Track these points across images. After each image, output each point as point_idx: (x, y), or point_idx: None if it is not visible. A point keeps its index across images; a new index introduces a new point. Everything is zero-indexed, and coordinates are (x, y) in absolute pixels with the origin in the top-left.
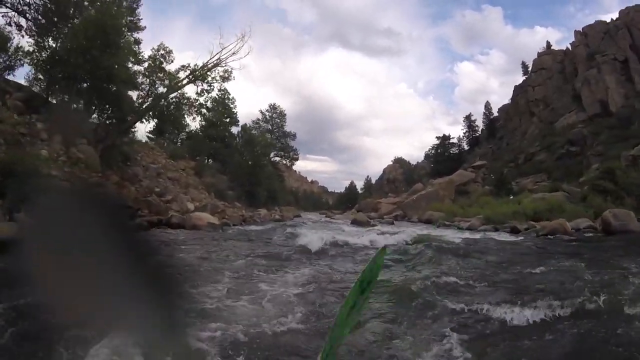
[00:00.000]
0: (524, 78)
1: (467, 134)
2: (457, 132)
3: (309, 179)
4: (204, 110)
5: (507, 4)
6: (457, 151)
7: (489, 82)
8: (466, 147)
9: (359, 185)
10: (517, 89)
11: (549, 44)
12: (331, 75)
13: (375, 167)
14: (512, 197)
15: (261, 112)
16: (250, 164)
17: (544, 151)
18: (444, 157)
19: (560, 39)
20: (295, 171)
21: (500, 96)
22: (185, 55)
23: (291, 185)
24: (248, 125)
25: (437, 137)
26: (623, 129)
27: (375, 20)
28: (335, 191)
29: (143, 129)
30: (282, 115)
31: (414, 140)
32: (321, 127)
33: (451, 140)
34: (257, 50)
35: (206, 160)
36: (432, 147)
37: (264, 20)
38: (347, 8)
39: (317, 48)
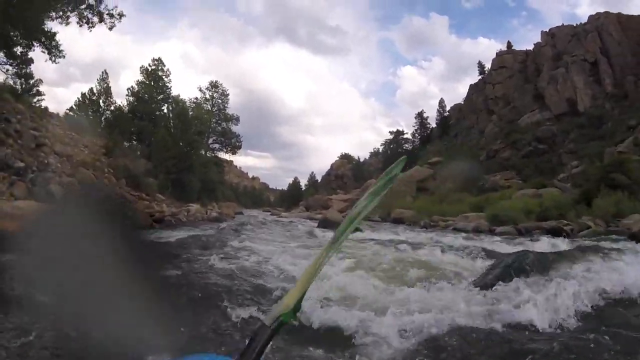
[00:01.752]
0: (479, 77)
1: (418, 130)
2: (385, 138)
3: (250, 175)
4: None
5: (454, 14)
6: (410, 147)
7: (430, 87)
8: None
9: (303, 182)
10: (473, 88)
11: (509, 44)
12: (275, 70)
13: (317, 164)
14: (488, 194)
15: (200, 89)
16: (181, 145)
17: (508, 148)
18: (396, 152)
19: (501, 51)
20: (236, 166)
21: (438, 101)
22: (125, 38)
23: (231, 180)
24: (185, 104)
25: (390, 132)
26: (594, 128)
27: (323, 17)
28: (277, 188)
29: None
30: (224, 95)
31: (353, 139)
32: (263, 122)
33: (405, 136)
34: (202, 38)
35: (131, 142)
36: (385, 142)
37: (210, 8)
38: (296, 2)
39: (263, 41)
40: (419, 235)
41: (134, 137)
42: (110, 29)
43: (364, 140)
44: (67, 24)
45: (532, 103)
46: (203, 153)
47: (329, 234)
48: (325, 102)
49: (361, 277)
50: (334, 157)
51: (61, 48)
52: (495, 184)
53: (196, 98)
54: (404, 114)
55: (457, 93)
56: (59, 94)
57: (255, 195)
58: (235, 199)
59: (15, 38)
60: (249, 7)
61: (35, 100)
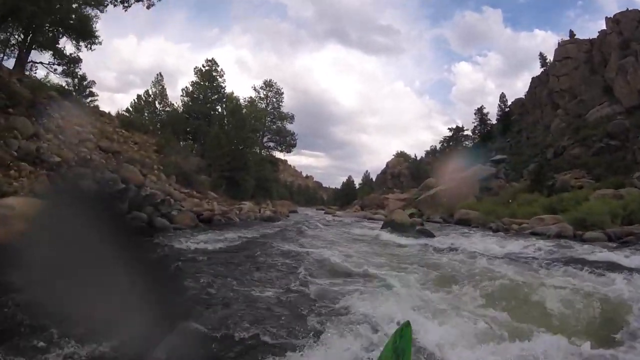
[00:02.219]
0: (542, 69)
1: (478, 127)
2: (445, 134)
3: (304, 174)
4: None
5: (507, 7)
6: (470, 144)
7: (486, 83)
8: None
9: (356, 180)
10: (535, 81)
11: (572, 33)
12: (328, 71)
13: (371, 163)
14: (557, 195)
15: (254, 88)
16: (235, 142)
17: (577, 145)
18: (456, 150)
19: (542, 53)
20: (290, 165)
21: (496, 98)
22: (182, 47)
23: (285, 179)
24: (238, 101)
25: (449, 129)
26: None
27: (374, 17)
28: (330, 186)
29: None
30: (279, 93)
31: (409, 138)
32: (317, 123)
33: (464, 133)
34: (254, 45)
35: (186, 141)
36: (443, 139)
37: (262, 15)
38: (346, 4)
39: (314, 43)
40: (505, 242)
41: (189, 137)
42: (148, 7)
43: (420, 138)
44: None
45: (601, 95)
46: (257, 151)
47: (399, 240)
48: (379, 101)
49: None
50: (388, 156)
51: (97, 34)
52: (566, 184)
53: (250, 97)
54: (461, 112)
55: (515, 89)
56: (118, 99)
57: (308, 193)
58: (289, 198)
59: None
60: (299, 12)
61: (88, 100)
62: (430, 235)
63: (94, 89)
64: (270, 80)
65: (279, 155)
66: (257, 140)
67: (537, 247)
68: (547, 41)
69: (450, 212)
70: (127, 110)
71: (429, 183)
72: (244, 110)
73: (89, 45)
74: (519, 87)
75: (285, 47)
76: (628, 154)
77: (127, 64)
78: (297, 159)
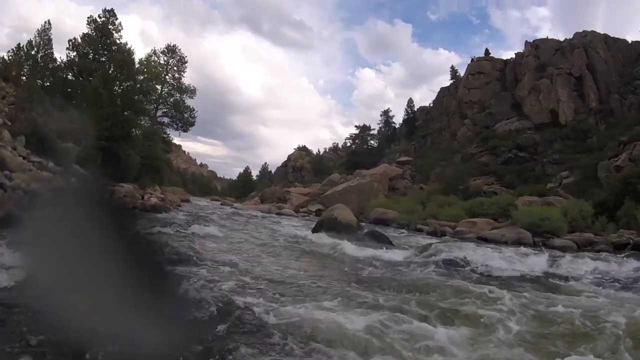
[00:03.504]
0: (451, 81)
1: (384, 128)
2: (350, 132)
3: (198, 162)
4: None
5: (418, 23)
6: (376, 144)
7: (386, 91)
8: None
9: (254, 173)
10: (444, 91)
11: (487, 51)
12: (235, 59)
13: (269, 157)
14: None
15: (154, 51)
16: (119, 103)
17: (486, 153)
18: (362, 149)
19: (461, 63)
20: (185, 151)
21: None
22: (84, 9)
23: (178, 165)
24: (130, 53)
25: (357, 127)
26: (579, 140)
27: (289, 11)
28: (225, 177)
29: None
30: (182, 62)
31: (309, 135)
32: (217, 110)
33: (371, 132)
34: (163, 18)
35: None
36: (350, 136)
37: None
38: None
39: (225, 26)
40: (508, 254)
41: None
42: None
43: (319, 136)
44: None
45: (510, 111)
46: (148, 123)
47: (361, 252)
48: (282, 95)
49: None
50: (287, 151)
51: None
52: (479, 189)
53: (148, 54)
54: (360, 114)
55: (414, 99)
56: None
57: (203, 182)
58: (182, 185)
59: None
60: None
61: None
62: (386, 241)
63: None
64: (174, 46)
65: (174, 136)
66: (147, 109)
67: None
68: (450, 60)
69: (361, 210)
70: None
71: (334, 178)
72: (137, 66)
73: None
74: (416, 98)
75: (195, 26)
76: (537, 165)
77: (22, 20)
78: (192, 145)
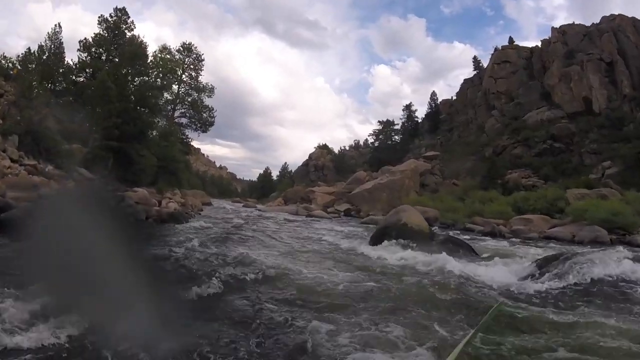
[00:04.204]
0: (475, 72)
1: (406, 123)
2: (367, 130)
3: (217, 164)
4: None
5: (431, 18)
6: (399, 139)
7: (402, 88)
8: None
9: (273, 173)
10: (468, 82)
11: (511, 39)
12: (250, 61)
13: (287, 157)
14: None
15: (169, 51)
16: (132, 99)
17: (519, 145)
18: (385, 144)
19: (477, 56)
20: (204, 154)
21: (414, 102)
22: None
23: (198, 168)
24: (143, 46)
25: (380, 122)
26: (614, 129)
27: (303, 10)
28: (245, 178)
29: None
30: (199, 60)
31: (325, 135)
32: (234, 112)
33: (395, 127)
34: (178, 24)
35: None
36: (373, 132)
37: None
38: None
39: (240, 30)
40: None
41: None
42: None
43: (336, 136)
44: None
45: (539, 100)
46: (165, 124)
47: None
48: (298, 95)
49: None
50: (305, 151)
51: None
52: (517, 182)
53: (162, 46)
54: (376, 112)
55: (431, 95)
56: None
57: (222, 185)
58: (202, 188)
59: None
60: None
61: None
62: (469, 249)
63: None
64: (189, 44)
65: (193, 138)
66: (163, 107)
67: None
68: (465, 53)
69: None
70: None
71: (359, 176)
72: (150, 59)
73: None
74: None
75: (210, 30)
76: (574, 156)
77: (38, 32)
78: (210, 148)
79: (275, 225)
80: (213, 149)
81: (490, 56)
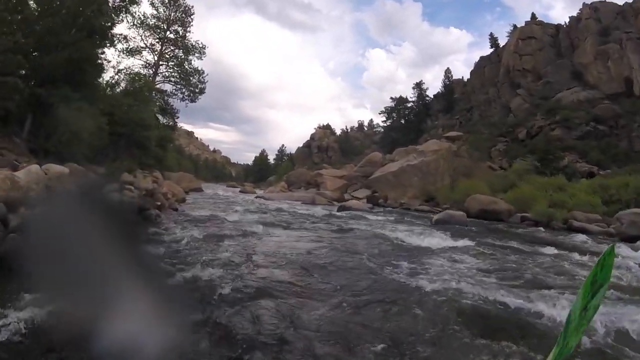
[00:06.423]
0: (492, 49)
1: (417, 102)
2: (361, 115)
3: (211, 148)
4: None
5: (427, 2)
6: (413, 118)
7: (397, 72)
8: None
9: (270, 156)
10: (485, 60)
11: (534, 16)
12: (241, 43)
13: (280, 140)
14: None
15: (152, 3)
16: (64, 13)
17: (557, 126)
18: (399, 123)
19: (472, 43)
20: (197, 138)
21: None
22: None
23: (191, 152)
24: None
25: (392, 99)
26: None
27: None
28: (239, 162)
29: None
30: (187, 14)
31: (319, 118)
32: (226, 95)
33: (408, 104)
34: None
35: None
36: (385, 110)
37: None
38: None
39: (231, 10)
40: None
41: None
42: None
43: (330, 119)
44: None
45: (570, 80)
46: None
47: None
48: (291, 78)
49: None
50: (298, 134)
51: None
52: (573, 167)
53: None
54: (370, 97)
55: (425, 80)
56: None
57: (217, 168)
58: (194, 172)
59: None
60: None
61: None
62: None
63: None
64: None
65: (180, 110)
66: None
67: None
68: (460, 40)
69: (427, 196)
70: None
71: (374, 158)
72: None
73: None
74: (427, 79)
75: (201, 9)
76: (621, 140)
77: None
78: (204, 132)
79: (301, 229)
80: (207, 132)
81: (507, 34)
